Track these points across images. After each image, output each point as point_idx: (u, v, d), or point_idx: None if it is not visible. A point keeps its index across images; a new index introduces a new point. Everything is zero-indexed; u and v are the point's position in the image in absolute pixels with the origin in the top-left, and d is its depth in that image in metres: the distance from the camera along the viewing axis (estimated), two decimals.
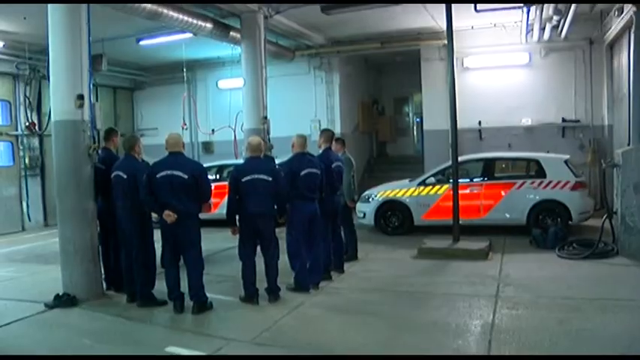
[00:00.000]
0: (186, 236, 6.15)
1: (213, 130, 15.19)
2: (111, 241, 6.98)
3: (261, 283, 6.72)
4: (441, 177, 11.17)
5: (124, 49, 14.06)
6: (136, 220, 6.47)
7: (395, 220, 11.44)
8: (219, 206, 10.92)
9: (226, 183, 12.51)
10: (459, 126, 14.34)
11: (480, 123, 14.22)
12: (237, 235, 6.65)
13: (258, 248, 6.72)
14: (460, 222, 9.73)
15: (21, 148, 13.82)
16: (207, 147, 17.04)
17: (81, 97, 6.55)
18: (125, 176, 6.48)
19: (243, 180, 6.41)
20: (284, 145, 10.21)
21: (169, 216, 6.00)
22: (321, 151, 7.85)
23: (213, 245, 10.00)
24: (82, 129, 6.64)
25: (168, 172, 6.01)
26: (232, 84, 14.70)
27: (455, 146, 9.77)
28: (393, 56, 16.58)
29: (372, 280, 7.81)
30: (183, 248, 6.22)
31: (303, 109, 15.32)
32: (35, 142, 14.13)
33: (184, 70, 14.66)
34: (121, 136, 7.58)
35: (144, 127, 17.78)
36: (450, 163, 11.38)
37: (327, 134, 7.98)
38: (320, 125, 15.19)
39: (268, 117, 11.30)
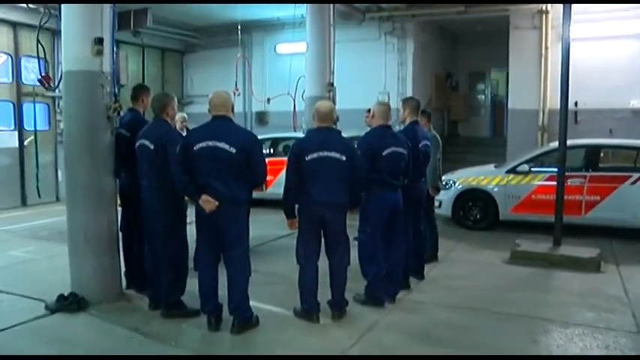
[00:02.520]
0: (230, 230, 4.59)
1: (268, 100, 13.70)
2: (135, 229, 5.46)
3: (323, 293, 5.17)
4: (535, 165, 9.36)
5: (173, 6, 12.64)
6: (165, 206, 4.95)
7: (476, 212, 9.71)
8: (272, 184, 10.12)
9: (281, 158, 11.43)
10: (548, 106, 12.58)
11: (576, 104, 12.11)
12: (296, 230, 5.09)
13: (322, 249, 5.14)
14: (544, 218, 8.24)
15: (58, 111, 12.37)
16: (262, 117, 15.55)
17: (99, 41, 5.02)
18: (152, 146, 4.93)
19: (308, 158, 4.82)
20: (347, 119, 8.80)
21: (208, 202, 4.44)
22: (404, 126, 6.21)
23: (263, 232, 8.51)
24: (101, 83, 5.11)
25: (210, 143, 4.44)
26: (293, 49, 13.09)
27: (564, 127, 7.91)
28: (473, 25, 14.66)
29: (460, 293, 6.16)
30: (224, 246, 4.66)
31: (371, 79, 13.55)
32: None
33: (239, 31, 13.07)
34: None
35: (193, 94, 16.46)
36: (546, 148, 9.66)
37: (413, 104, 6.27)
38: (389, 97, 13.48)
39: (335, 84, 9.65)
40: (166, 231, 4.98)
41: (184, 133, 5.82)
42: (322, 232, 5.00)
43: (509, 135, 13.01)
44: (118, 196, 5.55)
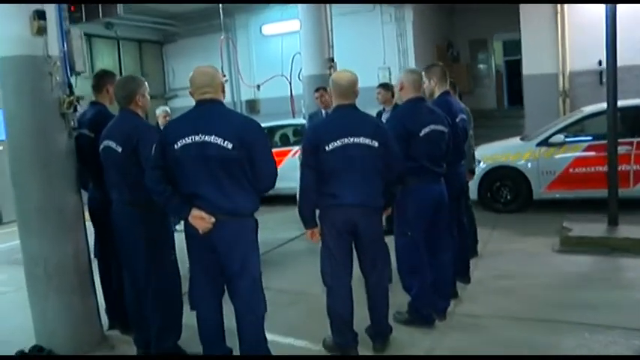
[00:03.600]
0: (233, 255, 3.28)
1: (258, 86, 12.51)
2: (113, 254, 4.19)
3: (358, 313, 3.99)
4: (568, 134, 8.21)
5: None
6: (144, 225, 3.71)
7: (506, 192, 8.57)
8: None
9: (279, 149, 10.28)
10: (569, 68, 11.45)
11: (600, 62, 10.94)
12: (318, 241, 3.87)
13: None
14: (596, 194, 7.32)
15: None
16: (253, 105, 14.30)
17: (40, 15, 3.74)
18: (120, 148, 3.70)
19: (329, 148, 3.60)
20: None
21: (201, 220, 3.20)
22: (434, 99, 4.99)
23: (267, 235, 7.28)
24: (48, 71, 3.83)
25: (197, 137, 3.18)
26: (281, 28, 11.83)
27: (613, 86, 6.85)
28: None
29: (517, 297, 5.01)
30: (228, 276, 3.35)
31: (369, 54, 12.28)
32: None
33: (221, 12, 11.77)
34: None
35: (177, 87, 15.28)
36: (580, 114, 8.49)
37: (440, 71, 5.00)
38: (390, 73, 12.28)
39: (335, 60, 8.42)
40: (148, 258, 3.73)
41: None
42: (354, 242, 3.82)
43: (526, 104, 11.81)
44: (87, 213, 4.34)
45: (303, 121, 8.90)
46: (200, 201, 3.21)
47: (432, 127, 4.19)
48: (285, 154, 10.02)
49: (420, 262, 4.28)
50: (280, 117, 10.98)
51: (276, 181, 3.35)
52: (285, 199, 8.88)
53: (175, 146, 3.20)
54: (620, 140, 7.70)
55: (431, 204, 4.25)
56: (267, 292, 3.51)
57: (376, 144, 3.64)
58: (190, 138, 3.19)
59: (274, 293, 4.91)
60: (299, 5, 8.57)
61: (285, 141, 10.95)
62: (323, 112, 7.64)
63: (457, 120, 4.81)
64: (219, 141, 3.16)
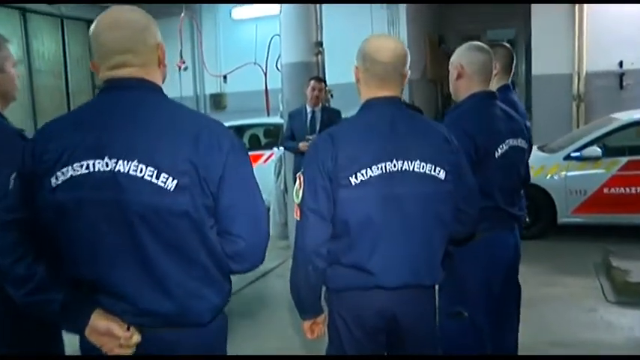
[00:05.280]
0: None
1: (225, 77, 10.81)
2: None
3: None
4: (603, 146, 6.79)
5: None
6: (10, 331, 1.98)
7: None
8: None
9: (252, 153, 8.62)
10: (585, 69, 10.00)
11: (620, 64, 9.56)
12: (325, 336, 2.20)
13: None
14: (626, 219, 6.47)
15: None
16: (218, 100, 12.45)
17: None
18: None
19: (356, 180, 1.95)
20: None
21: (110, 337, 1.53)
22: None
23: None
24: None
25: (99, 163, 1.50)
26: (256, 12, 10.18)
27: None
28: None
29: None
30: None
31: (356, 46, 10.47)
32: None
33: None
34: None
35: None
36: (617, 123, 7.04)
37: (507, 55, 3.38)
38: None
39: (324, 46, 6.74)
40: None
41: None
42: (386, 344, 2.17)
43: (534, 108, 10.33)
44: None
45: (280, 121, 7.26)
46: (109, 297, 1.56)
47: (511, 142, 2.62)
48: (255, 159, 8.37)
49: (481, 354, 2.69)
50: (251, 115, 9.28)
51: (265, 251, 1.70)
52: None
53: (54, 180, 1.53)
54: None
55: (503, 265, 2.67)
56: None
57: (442, 174, 2.02)
58: (86, 164, 1.51)
59: None
60: None
61: (255, 143, 9.29)
62: (309, 110, 6.02)
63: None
64: (149, 172, 1.50)
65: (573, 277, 5.53)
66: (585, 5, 9.54)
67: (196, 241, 1.55)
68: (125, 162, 1.49)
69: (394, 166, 1.97)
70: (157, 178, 1.49)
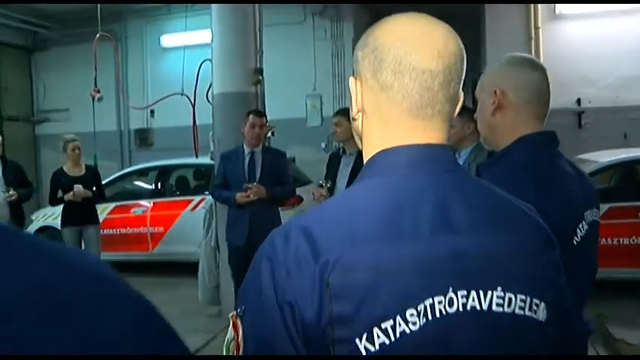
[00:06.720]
0: None
1: (152, 112, 9.69)
2: None
3: None
4: None
5: None
6: None
7: None
8: (161, 240, 7.45)
9: (174, 199, 7.57)
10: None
11: (579, 102, 9.05)
12: None
13: None
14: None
15: None
16: (144, 137, 11.22)
17: None
18: None
19: (376, 347, 0.82)
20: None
21: None
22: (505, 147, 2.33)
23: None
24: None
25: None
26: (187, 39, 9.13)
27: None
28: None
29: None
30: None
31: (296, 78, 9.55)
32: None
33: (99, 13, 8.79)
34: None
35: (47, 108, 12.02)
36: (597, 165, 6.37)
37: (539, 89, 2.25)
38: (322, 103, 9.82)
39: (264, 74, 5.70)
40: None
41: None
42: None
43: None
44: None
45: (210, 162, 6.19)
46: None
47: (588, 215, 1.58)
48: (182, 206, 7.39)
49: None
50: (180, 154, 8.15)
51: None
52: (183, 269, 6.99)
53: None
54: None
55: None
56: None
57: (543, 311, 0.95)
58: None
59: None
60: (213, 7, 5.77)
61: (184, 187, 8.19)
62: (247, 150, 4.93)
63: None
64: None
65: None
66: (541, 36, 9.07)
67: None
68: None
69: (451, 303, 0.89)
70: None
